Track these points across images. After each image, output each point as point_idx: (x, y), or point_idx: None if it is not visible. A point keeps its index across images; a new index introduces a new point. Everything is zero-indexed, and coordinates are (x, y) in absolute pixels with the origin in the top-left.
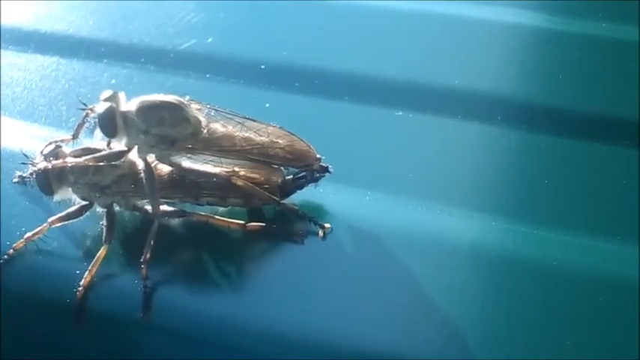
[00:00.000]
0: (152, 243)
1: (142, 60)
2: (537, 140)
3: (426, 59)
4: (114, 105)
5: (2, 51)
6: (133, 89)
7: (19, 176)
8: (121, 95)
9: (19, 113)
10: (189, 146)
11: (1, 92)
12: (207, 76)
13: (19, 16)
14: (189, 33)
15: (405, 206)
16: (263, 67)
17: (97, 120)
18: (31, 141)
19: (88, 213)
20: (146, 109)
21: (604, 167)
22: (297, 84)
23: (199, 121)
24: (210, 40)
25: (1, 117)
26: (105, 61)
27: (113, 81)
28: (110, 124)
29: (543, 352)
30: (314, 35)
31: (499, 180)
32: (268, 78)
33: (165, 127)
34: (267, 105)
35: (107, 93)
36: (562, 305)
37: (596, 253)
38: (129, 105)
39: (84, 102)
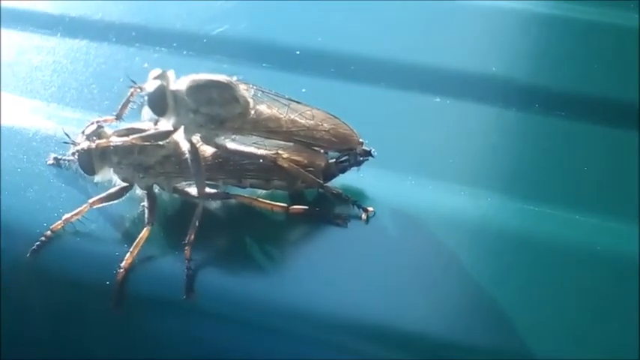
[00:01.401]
0: (197, 224)
1: (174, 45)
2: (573, 127)
3: (463, 46)
4: (164, 83)
5: (31, 35)
6: None
7: (54, 158)
8: (170, 74)
9: (50, 96)
10: (237, 127)
11: (33, 76)
12: (241, 61)
13: (45, 1)
14: (222, 18)
15: (447, 192)
16: (298, 52)
17: (146, 98)
18: (64, 124)
19: (127, 194)
20: (196, 88)
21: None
22: (332, 70)
23: (248, 102)
24: (243, 25)
25: (33, 100)
26: (136, 45)
27: (145, 65)
28: (161, 102)
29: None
30: (349, 21)
31: (538, 166)
32: (304, 64)
33: (215, 106)
34: (304, 90)
35: (157, 71)
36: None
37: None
38: (178, 84)
39: (132, 80)
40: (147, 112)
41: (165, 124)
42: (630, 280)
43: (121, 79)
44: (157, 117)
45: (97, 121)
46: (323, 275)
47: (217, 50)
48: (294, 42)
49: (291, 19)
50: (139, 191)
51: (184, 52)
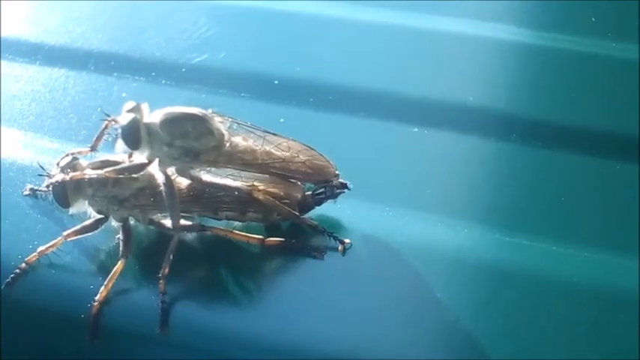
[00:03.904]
0: (171, 257)
1: (153, 74)
2: (552, 157)
3: (442, 76)
4: (138, 116)
5: (9, 63)
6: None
7: (30, 189)
8: (144, 106)
9: (28, 125)
10: (212, 159)
11: (10, 105)
12: (220, 91)
13: (24, 28)
14: (201, 47)
15: (424, 222)
16: (276, 82)
17: (119, 132)
18: (41, 154)
19: (102, 227)
20: (170, 121)
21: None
22: (311, 99)
23: (223, 134)
24: (222, 54)
25: (10, 129)
26: (115, 74)
27: (124, 94)
28: (134, 135)
29: None
30: (328, 50)
31: (516, 197)
32: (282, 93)
33: (189, 139)
34: (282, 120)
35: (130, 104)
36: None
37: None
38: (152, 117)
39: (106, 113)
40: (120, 144)
41: (140, 156)
42: (612, 315)
43: (99, 109)
44: (130, 150)
45: (72, 153)
46: (300, 308)
47: (196, 79)
48: (272, 71)
49: (270, 48)
50: (114, 223)
51: (163, 82)
